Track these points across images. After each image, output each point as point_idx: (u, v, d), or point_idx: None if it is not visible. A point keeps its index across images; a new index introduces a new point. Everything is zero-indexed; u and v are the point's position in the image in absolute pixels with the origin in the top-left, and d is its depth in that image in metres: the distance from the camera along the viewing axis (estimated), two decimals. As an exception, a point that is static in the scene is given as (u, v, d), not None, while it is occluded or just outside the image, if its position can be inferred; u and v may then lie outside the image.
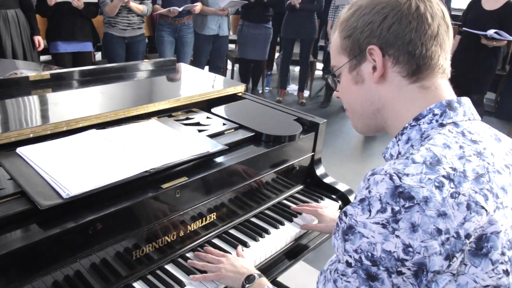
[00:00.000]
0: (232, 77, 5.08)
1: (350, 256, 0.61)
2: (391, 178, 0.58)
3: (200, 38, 4.04)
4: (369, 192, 0.59)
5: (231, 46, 5.18)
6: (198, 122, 1.41)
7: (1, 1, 2.80)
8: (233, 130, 1.39)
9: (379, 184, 0.59)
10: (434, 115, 0.67)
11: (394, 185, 0.57)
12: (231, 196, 1.26)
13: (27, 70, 2.26)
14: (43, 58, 3.67)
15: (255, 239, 1.24)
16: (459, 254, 0.56)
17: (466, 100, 0.70)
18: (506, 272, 0.59)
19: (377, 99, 0.73)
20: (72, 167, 1.01)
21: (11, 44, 2.97)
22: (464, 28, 3.73)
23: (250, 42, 4.39)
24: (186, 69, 1.92)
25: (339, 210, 1.45)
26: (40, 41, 3.19)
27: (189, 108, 1.53)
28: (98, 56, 4.58)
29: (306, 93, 5.03)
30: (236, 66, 5.10)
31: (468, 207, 0.57)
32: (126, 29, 3.45)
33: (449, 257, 0.56)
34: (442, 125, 0.66)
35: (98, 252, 0.95)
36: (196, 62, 4.07)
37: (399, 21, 0.67)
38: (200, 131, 1.33)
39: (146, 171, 1.03)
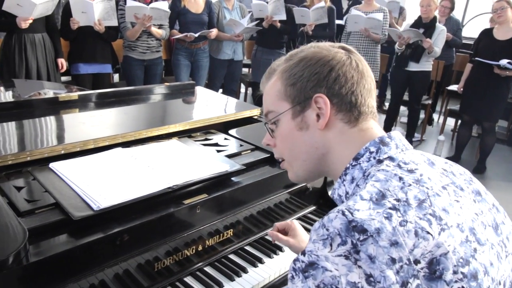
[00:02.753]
0: (245, 100, 5.20)
1: None
2: (343, 214, 0.60)
3: (215, 62, 4.17)
4: (327, 229, 0.60)
5: (244, 70, 5.32)
6: (217, 143, 1.48)
7: (29, 25, 2.95)
8: (249, 151, 1.46)
9: (333, 221, 0.60)
10: (371, 152, 0.72)
11: (347, 220, 0.59)
12: (246, 214, 1.32)
13: (51, 90, 2.39)
14: (63, 78, 3.82)
15: (269, 256, 1.28)
16: (412, 280, 0.58)
17: (396, 134, 0.75)
18: None
19: (322, 144, 0.76)
20: (101, 182, 1.08)
21: (36, 66, 3.12)
22: (476, 58, 3.79)
23: (264, 67, 4.48)
24: (203, 92, 2.01)
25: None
26: (63, 63, 3.34)
27: (207, 129, 1.61)
28: (116, 77, 4.74)
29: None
30: (250, 89, 5.22)
31: (416, 233, 0.59)
32: (145, 52, 3.60)
33: (404, 284, 0.58)
34: (379, 161, 0.71)
35: (123, 263, 1.01)
36: (211, 86, 4.19)
37: (344, 74, 0.73)
38: (218, 151, 1.41)
39: (169, 187, 1.10)
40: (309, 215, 1.55)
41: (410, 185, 0.65)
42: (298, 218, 1.51)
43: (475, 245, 0.63)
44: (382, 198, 0.63)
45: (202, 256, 1.21)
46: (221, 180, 1.23)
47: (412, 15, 5.37)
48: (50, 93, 2.26)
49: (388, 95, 5.58)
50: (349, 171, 0.74)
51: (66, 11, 3.25)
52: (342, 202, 0.76)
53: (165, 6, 3.48)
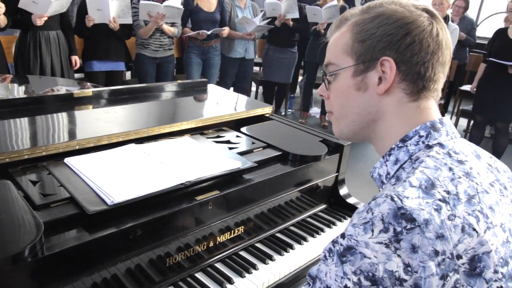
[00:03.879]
0: (256, 99, 5.20)
1: (349, 279, 0.59)
2: (392, 199, 0.59)
3: (227, 60, 4.18)
4: (372, 213, 0.59)
5: (256, 68, 5.32)
6: (229, 140, 1.49)
7: (44, 23, 3.00)
8: (261, 149, 1.46)
9: (381, 205, 0.59)
10: (420, 136, 0.69)
11: (397, 206, 0.58)
12: (257, 211, 1.32)
13: (66, 87, 2.42)
14: (76, 75, 3.86)
15: (280, 253, 1.28)
16: (452, 274, 0.58)
17: (447, 120, 0.72)
18: None
19: (375, 110, 0.73)
20: (115, 177, 1.09)
21: (50, 62, 3.16)
22: (490, 58, 3.75)
23: (275, 66, 4.52)
24: (216, 90, 2.01)
25: None
26: (77, 60, 3.38)
27: (219, 127, 1.62)
28: (128, 75, 4.78)
29: (328, 116, 5.09)
30: (260, 88, 5.22)
31: (463, 229, 0.59)
32: (158, 50, 3.63)
33: (444, 277, 0.57)
34: (428, 146, 0.69)
35: (135, 257, 1.02)
36: (222, 83, 4.20)
37: (420, 41, 0.68)
38: (230, 148, 1.41)
39: (181, 184, 1.11)
40: (320, 213, 1.55)
41: (460, 177, 0.64)
42: (309, 216, 1.51)
43: None
44: (432, 187, 0.61)
45: (213, 253, 1.22)
46: (233, 177, 1.24)
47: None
48: (63, 90, 2.29)
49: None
50: (394, 152, 0.72)
51: (82, 9, 3.29)
52: (382, 182, 0.75)
53: (178, 3, 3.50)
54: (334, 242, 0.61)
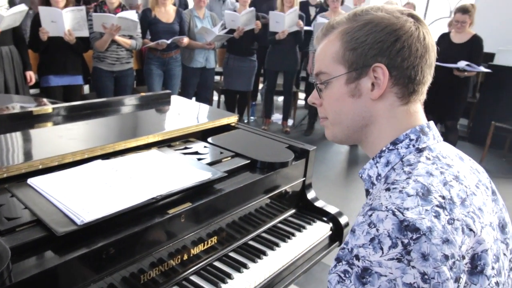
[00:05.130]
0: (218, 107, 5.20)
1: None
2: (394, 213, 0.60)
3: (188, 70, 4.17)
4: (377, 230, 0.60)
5: (217, 77, 5.33)
6: (197, 151, 1.49)
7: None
8: (229, 158, 1.47)
9: (384, 221, 0.60)
10: (411, 140, 0.72)
11: (399, 220, 0.59)
12: (230, 220, 1.33)
13: (21, 104, 2.32)
14: (32, 91, 3.71)
15: (254, 261, 1.30)
16: (463, 275, 0.61)
17: (433, 124, 0.76)
18: (497, 284, 0.66)
19: (369, 115, 0.75)
20: (83, 196, 1.07)
21: (3, 79, 3.02)
22: (437, 62, 3.98)
23: (236, 74, 4.56)
24: (180, 101, 2.01)
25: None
26: (32, 76, 3.26)
27: (186, 138, 1.62)
28: (86, 88, 4.64)
29: (290, 122, 5.18)
30: (222, 97, 5.24)
31: (463, 231, 0.61)
32: (114, 63, 3.55)
33: (457, 280, 0.60)
34: (418, 150, 0.71)
35: (108, 277, 1.00)
36: (184, 94, 4.18)
37: (409, 46, 0.70)
38: (199, 159, 1.42)
39: (153, 198, 1.10)
40: (290, 218, 1.58)
41: (451, 181, 0.66)
42: (279, 222, 1.54)
43: (499, 243, 0.68)
44: (428, 193, 0.63)
45: (188, 266, 1.21)
46: (203, 188, 1.25)
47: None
48: (19, 107, 2.20)
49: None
50: (385, 155, 0.74)
51: (36, 22, 3.18)
52: (372, 183, 0.76)
53: (133, 15, 3.45)
54: (350, 264, 0.62)
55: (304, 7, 5.18)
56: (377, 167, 0.75)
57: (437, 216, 0.60)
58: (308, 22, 4.90)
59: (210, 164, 1.39)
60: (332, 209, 1.64)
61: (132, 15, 3.44)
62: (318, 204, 1.64)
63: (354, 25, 0.73)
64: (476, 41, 3.96)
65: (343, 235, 1.61)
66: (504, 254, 0.70)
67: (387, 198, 0.63)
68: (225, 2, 5.31)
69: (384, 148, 0.74)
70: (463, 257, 0.61)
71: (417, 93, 0.73)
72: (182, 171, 1.27)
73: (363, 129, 0.77)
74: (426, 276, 0.57)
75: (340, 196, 3.48)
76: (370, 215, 0.62)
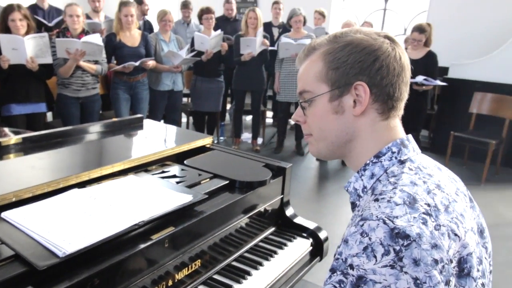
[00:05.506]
0: (187, 129, 5.18)
1: None
2: (384, 222, 0.63)
3: (156, 94, 4.16)
4: (369, 239, 0.62)
5: (184, 99, 5.33)
6: (175, 175, 1.49)
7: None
8: (208, 179, 1.48)
9: (376, 230, 0.62)
10: (393, 152, 0.76)
11: (390, 228, 0.62)
12: (212, 242, 1.33)
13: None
14: (-9, 121, 3.56)
15: (238, 282, 1.29)
16: (452, 278, 0.64)
17: (411, 137, 0.81)
18: (483, 285, 0.70)
19: (352, 130, 0.78)
20: (62, 226, 1.04)
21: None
22: None
23: (204, 96, 4.58)
24: (153, 125, 2.00)
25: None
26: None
27: (162, 162, 1.61)
28: (49, 116, 4.50)
29: (260, 140, 5.23)
30: (191, 118, 5.23)
31: (449, 235, 0.65)
32: (80, 89, 3.48)
33: (447, 283, 0.62)
34: (400, 161, 0.76)
35: (93, 308, 0.97)
36: (152, 117, 4.13)
37: (387, 66, 0.75)
38: (178, 182, 1.41)
39: (135, 224, 1.08)
40: (270, 236, 1.59)
41: (434, 189, 0.70)
42: (261, 241, 1.54)
43: (480, 247, 0.72)
44: (414, 201, 0.66)
45: (172, 291, 1.19)
46: (185, 211, 1.24)
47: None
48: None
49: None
50: (369, 167, 0.77)
51: (-5, 50, 3.08)
52: (358, 195, 0.79)
53: (98, 40, 3.41)
54: (345, 274, 0.63)
55: (267, 28, 5.32)
56: (362, 180, 0.78)
57: (425, 222, 0.63)
58: (272, 42, 5.02)
59: (190, 186, 1.38)
60: (310, 225, 1.66)
61: (96, 39, 3.40)
62: (297, 220, 1.67)
63: (335, 46, 0.77)
64: (431, 56, 4.20)
65: (323, 249, 1.63)
66: (485, 258, 0.75)
67: (376, 208, 0.66)
68: (190, 25, 5.37)
69: (368, 162, 0.78)
70: (451, 261, 0.64)
71: (395, 108, 0.78)
72: (163, 195, 1.26)
73: (347, 144, 0.80)
74: (418, 281, 0.59)
75: (313, 210, 3.53)
76: (362, 225, 0.64)
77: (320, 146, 0.83)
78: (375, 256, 0.61)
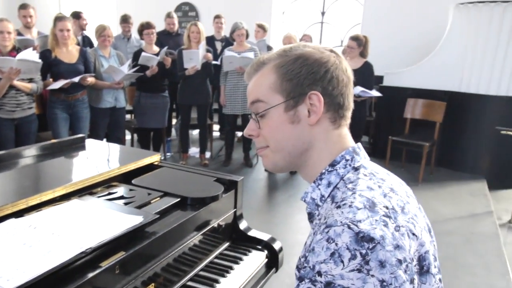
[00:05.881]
0: (132, 146, 5.01)
1: None
2: (349, 227, 0.64)
3: (97, 111, 3.99)
4: (336, 244, 0.63)
5: (127, 116, 5.16)
6: (122, 196, 1.43)
7: None
8: (158, 198, 1.43)
9: (342, 235, 0.63)
10: (347, 160, 0.79)
11: (355, 232, 0.63)
12: (166, 264, 1.28)
13: None
14: None
15: (196, 302, 1.26)
16: (415, 276, 0.67)
17: (361, 145, 0.85)
18: (440, 280, 0.74)
19: (308, 140, 0.80)
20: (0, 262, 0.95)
21: None
22: None
23: (150, 112, 4.47)
24: (96, 145, 1.91)
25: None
26: None
27: (108, 183, 1.54)
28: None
29: (208, 154, 5.19)
30: (135, 135, 5.07)
31: (408, 235, 0.67)
32: (15, 110, 3.26)
33: (412, 281, 0.65)
34: (355, 168, 0.78)
35: None
36: (94, 136, 3.96)
37: (336, 77, 0.79)
38: (126, 203, 1.35)
39: (82, 252, 1.02)
40: (225, 252, 1.57)
41: (389, 192, 0.73)
42: (216, 257, 1.52)
43: (432, 245, 0.76)
44: (374, 205, 0.68)
45: (126, 319, 1.13)
46: (136, 234, 1.19)
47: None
48: None
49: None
50: (325, 176, 0.79)
51: None
52: (316, 205, 0.80)
53: (34, 57, 3.22)
54: (313, 281, 0.64)
55: (210, 41, 5.33)
56: (319, 189, 0.80)
57: (386, 225, 0.66)
58: (215, 56, 5.04)
59: (139, 207, 1.33)
60: (265, 236, 1.67)
61: (33, 56, 3.20)
62: (251, 233, 1.66)
63: (287, 59, 0.80)
64: (367, 66, 4.44)
65: (279, 260, 1.64)
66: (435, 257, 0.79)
67: (339, 214, 0.68)
68: (130, 40, 5.24)
69: (323, 171, 0.80)
70: (412, 260, 0.67)
71: (345, 118, 0.82)
72: (110, 218, 1.20)
73: (303, 154, 0.82)
74: (384, 283, 0.61)
75: (266, 221, 3.55)
76: (327, 232, 0.65)
77: (277, 158, 0.83)
78: (342, 261, 0.62)
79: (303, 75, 0.79)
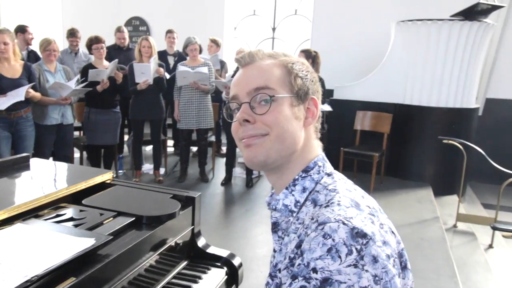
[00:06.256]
0: (81, 165, 4.79)
1: None
2: (344, 223, 0.65)
3: (42, 129, 3.78)
4: (333, 240, 0.64)
5: (76, 133, 4.94)
6: (72, 217, 1.35)
7: None
8: (111, 218, 1.37)
9: (338, 231, 0.64)
10: (319, 166, 0.81)
11: (350, 228, 0.64)
12: (120, 287, 1.22)
13: None
14: None
15: (153, 326, 1.21)
16: (401, 270, 0.70)
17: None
18: (413, 277, 0.77)
19: (299, 141, 0.81)
20: None
21: None
22: None
23: (100, 128, 4.31)
24: (42, 164, 1.80)
25: None
26: None
27: (56, 204, 1.45)
28: None
29: (162, 171, 5.07)
30: (85, 153, 4.86)
31: (390, 232, 0.71)
32: None
33: (399, 275, 0.68)
34: (327, 174, 0.81)
35: None
36: (39, 155, 3.73)
37: (319, 90, 0.86)
38: (76, 225, 1.28)
39: (28, 281, 0.95)
40: (184, 271, 1.53)
41: (363, 195, 0.76)
42: (174, 277, 1.47)
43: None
44: (358, 204, 0.71)
45: None
46: (88, 257, 1.12)
47: (232, 67, 5.98)
48: None
49: (224, 139, 5.97)
50: (299, 182, 0.79)
51: None
52: (290, 211, 0.79)
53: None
54: (307, 278, 0.63)
55: (162, 56, 5.27)
56: (293, 195, 0.80)
57: (373, 222, 0.68)
58: (168, 71, 4.98)
59: (91, 228, 1.27)
60: (224, 253, 1.64)
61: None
62: (210, 250, 1.63)
63: (291, 60, 0.83)
64: (319, 81, 4.57)
65: (239, 276, 1.62)
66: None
67: (331, 211, 0.69)
68: (78, 54, 5.05)
69: (297, 177, 0.81)
70: (396, 255, 0.70)
71: (318, 128, 0.87)
72: (59, 242, 1.13)
73: (291, 154, 0.81)
74: (377, 278, 0.63)
75: (224, 237, 3.50)
76: (322, 228, 0.65)
77: (274, 148, 0.79)
78: (339, 257, 0.62)
79: (309, 79, 0.83)
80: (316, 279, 0.62)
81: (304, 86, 0.82)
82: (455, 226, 4.01)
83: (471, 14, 4.43)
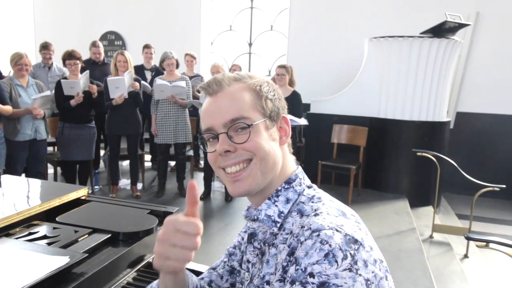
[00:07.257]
0: (55, 181, 4.65)
1: None
2: (337, 230, 0.68)
3: (14, 145, 3.66)
4: (330, 245, 0.66)
5: (49, 149, 4.82)
6: (45, 235, 1.30)
7: None
8: (87, 235, 1.33)
9: (333, 237, 0.67)
10: (300, 179, 0.85)
11: (343, 234, 0.68)
12: (96, 307, 1.18)
13: None
14: None
15: None
16: (387, 274, 0.72)
17: None
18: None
19: (279, 160, 0.83)
20: None
21: None
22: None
23: (75, 144, 4.21)
24: (13, 181, 1.74)
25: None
26: None
27: (28, 222, 1.40)
28: None
29: (140, 186, 4.98)
30: (59, 169, 4.73)
31: (373, 240, 0.74)
32: None
33: (386, 277, 0.70)
34: (308, 186, 0.85)
35: None
36: (11, 171, 3.62)
37: (286, 107, 0.89)
38: (50, 243, 1.24)
39: (-3, 302, 0.91)
40: (162, 288, 1.49)
41: (344, 204, 0.78)
42: (151, 295, 1.44)
43: None
44: (344, 213, 0.74)
45: None
46: (62, 276, 1.09)
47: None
48: None
49: (202, 153, 5.94)
50: (282, 193, 0.81)
51: None
52: (274, 221, 0.79)
53: None
54: (303, 283, 0.65)
55: (139, 71, 5.24)
56: (276, 205, 0.81)
57: (360, 229, 0.72)
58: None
59: (65, 246, 1.23)
60: (202, 268, 1.61)
61: None
62: (189, 265, 1.60)
63: (257, 82, 0.84)
64: (296, 96, 4.66)
65: (218, 291, 1.59)
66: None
67: (322, 219, 0.71)
68: (51, 68, 4.96)
69: (279, 188, 0.82)
70: (382, 260, 0.73)
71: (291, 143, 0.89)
72: (31, 261, 1.09)
73: (274, 176, 0.83)
74: (369, 282, 0.66)
75: (202, 252, 3.45)
76: (318, 235, 0.68)
77: (259, 173, 0.80)
78: (336, 261, 0.65)
79: (277, 98, 0.85)
80: (313, 283, 0.64)
81: (275, 107, 0.84)
82: (431, 236, 4.09)
83: (439, 31, 4.61)
